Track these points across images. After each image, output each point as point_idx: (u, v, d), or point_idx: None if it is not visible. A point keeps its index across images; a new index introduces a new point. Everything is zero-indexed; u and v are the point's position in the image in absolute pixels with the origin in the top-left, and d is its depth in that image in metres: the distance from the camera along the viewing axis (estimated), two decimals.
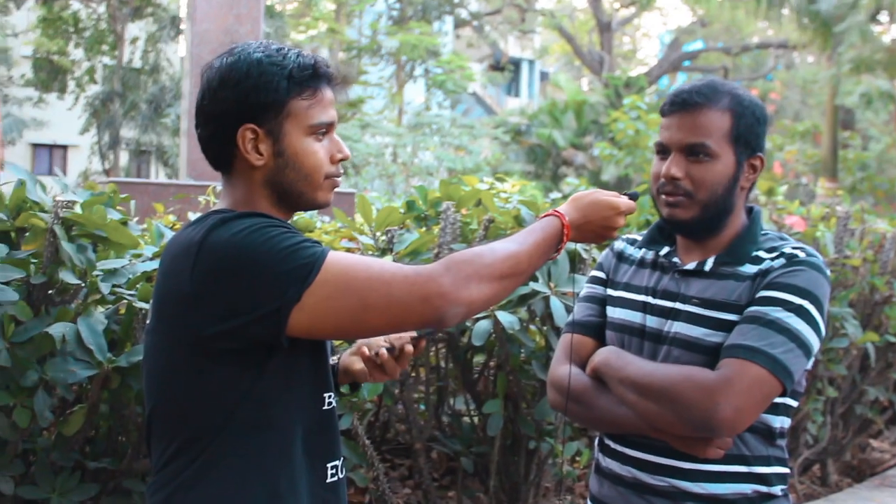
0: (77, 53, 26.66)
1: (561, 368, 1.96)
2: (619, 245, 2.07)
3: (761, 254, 1.83)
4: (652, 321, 1.88)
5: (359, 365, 1.79)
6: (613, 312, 1.97)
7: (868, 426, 5.45)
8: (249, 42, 1.59)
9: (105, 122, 26.66)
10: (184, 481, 1.52)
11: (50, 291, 2.56)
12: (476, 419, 3.61)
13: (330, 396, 1.64)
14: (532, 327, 3.42)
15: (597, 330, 1.99)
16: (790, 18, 22.11)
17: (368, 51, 29.39)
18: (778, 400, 1.79)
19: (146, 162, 29.52)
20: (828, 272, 1.81)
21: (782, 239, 1.88)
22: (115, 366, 2.40)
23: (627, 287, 1.97)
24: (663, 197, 1.86)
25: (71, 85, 26.90)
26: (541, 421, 3.41)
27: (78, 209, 2.53)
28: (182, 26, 23.34)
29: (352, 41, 30.05)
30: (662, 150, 1.86)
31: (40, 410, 2.33)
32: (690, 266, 1.87)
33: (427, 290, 1.45)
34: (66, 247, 2.42)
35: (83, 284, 2.49)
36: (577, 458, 3.51)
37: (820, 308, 1.75)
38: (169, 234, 2.94)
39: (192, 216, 3.44)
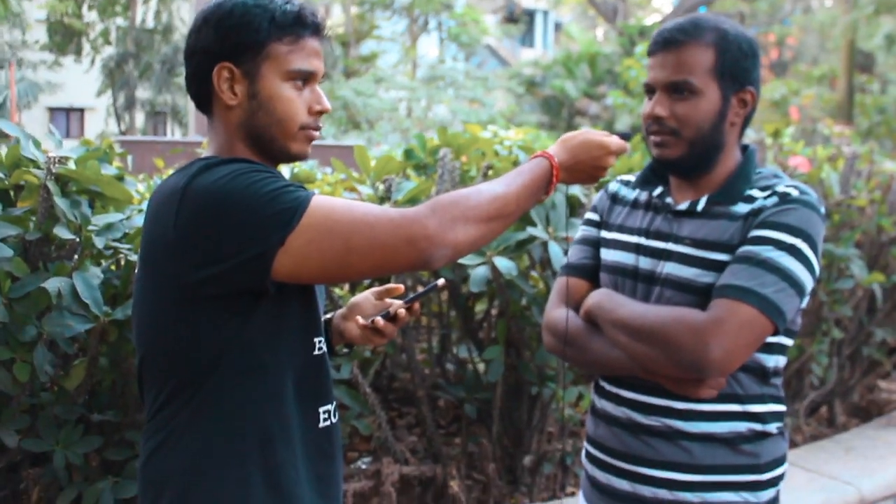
0: (91, 16, 26.59)
1: (555, 312, 1.95)
2: (613, 186, 2.05)
3: (754, 192, 1.80)
4: (645, 262, 1.86)
5: (355, 331, 1.80)
6: (607, 254, 1.95)
7: (876, 367, 5.44)
8: None
9: (120, 83, 26.68)
10: (176, 427, 1.52)
11: (48, 248, 2.57)
12: (480, 366, 3.62)
13: (321, 342, 1.64)
14: (533, 273, 3.41)
15: (591, 272, 1.98)
16: None
17: (382, 4, 29.12)
18: (771, 339, 1.78)
19: (162, 122, 29.62)
20: (822, 210, 1.78)
21: (776, 177, 1.84)
22: (112, 319, 2.41)
23: (621, 228, 1.95)
24: (651, 137, 1.84)
25: (87, 48, 26.88)
26: (542, 366, 3.41)
27: (72, 165, 2.52)
28: None
29: None
30: (649, 90, 1.84)
31: (40, 364, 2.34)
32: (682, 206, 1.84)
33: (412, 232, 1.43)
34: (60, 202, 2.41)
35: (78, 239, 2.49)
36: (579, 403, 3.52)
37: (813, 246, 1.72)
38: None
39: None
